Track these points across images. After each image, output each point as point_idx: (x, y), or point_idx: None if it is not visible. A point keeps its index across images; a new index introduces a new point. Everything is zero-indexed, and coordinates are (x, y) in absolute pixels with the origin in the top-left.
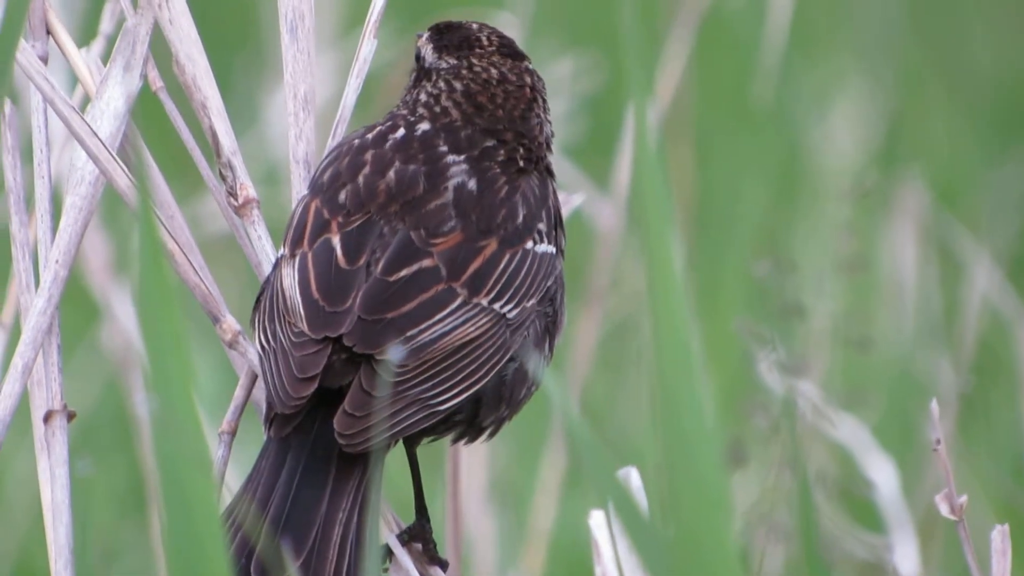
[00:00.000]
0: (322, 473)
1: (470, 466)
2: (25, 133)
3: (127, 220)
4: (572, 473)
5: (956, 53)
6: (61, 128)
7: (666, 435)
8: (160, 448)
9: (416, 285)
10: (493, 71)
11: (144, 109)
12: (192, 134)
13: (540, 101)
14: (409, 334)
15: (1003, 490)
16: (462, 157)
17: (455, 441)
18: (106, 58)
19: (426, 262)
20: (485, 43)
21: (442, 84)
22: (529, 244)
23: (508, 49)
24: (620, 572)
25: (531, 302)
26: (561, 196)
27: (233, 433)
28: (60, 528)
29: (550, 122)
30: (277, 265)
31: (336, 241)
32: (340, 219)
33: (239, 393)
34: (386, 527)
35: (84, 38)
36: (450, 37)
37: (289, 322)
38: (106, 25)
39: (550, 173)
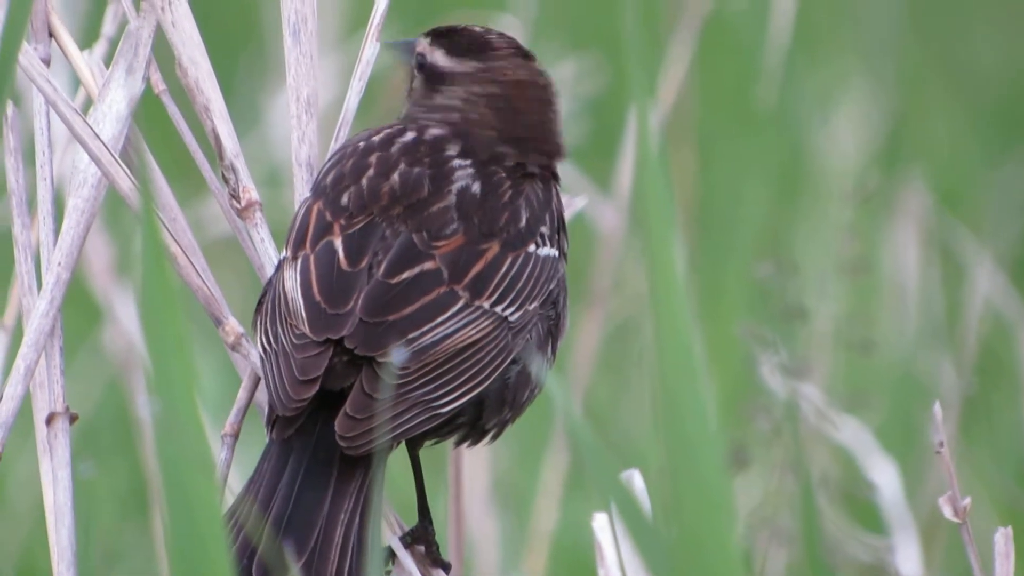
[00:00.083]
0: (324, 475)
1: (472, 468)
2: (27, 135)
3: (129, 222)
4: (574, 475)
5: (958, 55)
6: (63, 130)
7: (668, 437)
8: (162, 450)
9: (418, 288)
10: (520, 73)
11: (147, 112)
12: (195, 136)
13: (557, 101)
14: (411, 336)
15: (1006, 492)
16: (468, 161)
17: (458, 444)
18: (109, 60)
19: (428, 265)
20: (500, 45)
21: (475, 88)
22: (532, 247)
23: (521, 50)
24: (623, 574)
25: (533, 305)
26: (563, 199)
27: (236, 435)
28: (62, 530)
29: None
30: (279, 267)
31: (338, 243)
32: (342, 221)
33: (241, 395)
34: (388, 529)
35: (87, 40)
36: (460, 40)
37: (291, 324)
38: (109, 27)
39: (555, 177)
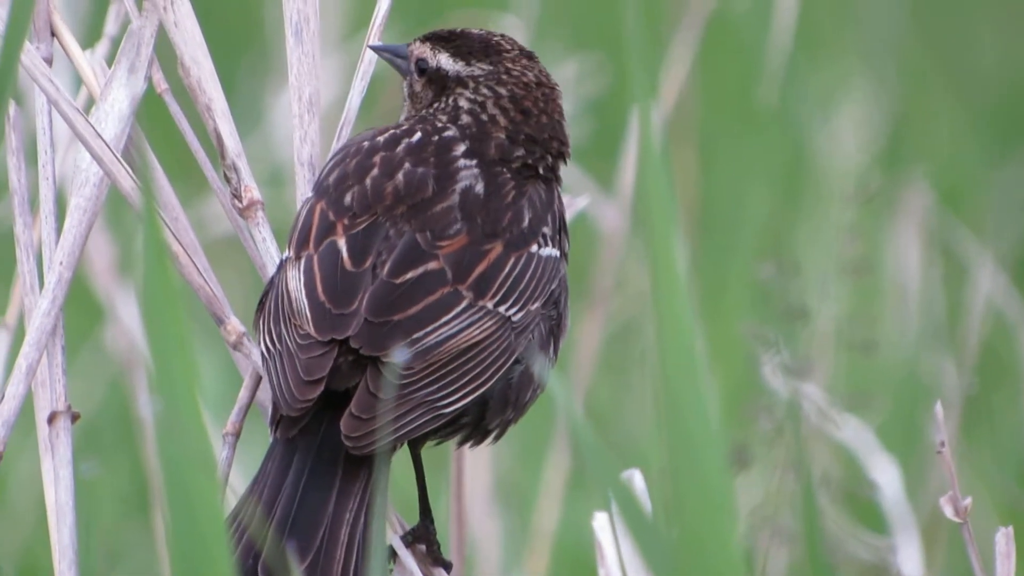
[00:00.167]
0: (328, 475)
1: (474, 467)
2: (29, 135)
3: (131, 222)
4: (576, 475)
5: (960, 55)
6: (65, 130)
7: (670, 437)
8: (164, 449)
9: (422, 287)
10: (529, 75)
11: (149, 111)
12: (196, 136)
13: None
14: (415, 336)
15: (1007, 492)
16: (474, 161)
17: (461, 444)
18: (111, 60)
19: (432, 265)
20: (507, 47)
21: (485, 90)
22: (534, 248)
23: (526, 52)
24: (624, 574)
25: (536, 305)
26: (566, 199)
27: (237, 434)
28: (64, 529)
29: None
30: (282, 267)
31: (342, 243)
32: (346, 221)
33: (243, 394)
34: (390, 528)
35: (89, 40)
36: (466, 43)
37: (295, 324)
38: (111, 27)
39: (556, 178)
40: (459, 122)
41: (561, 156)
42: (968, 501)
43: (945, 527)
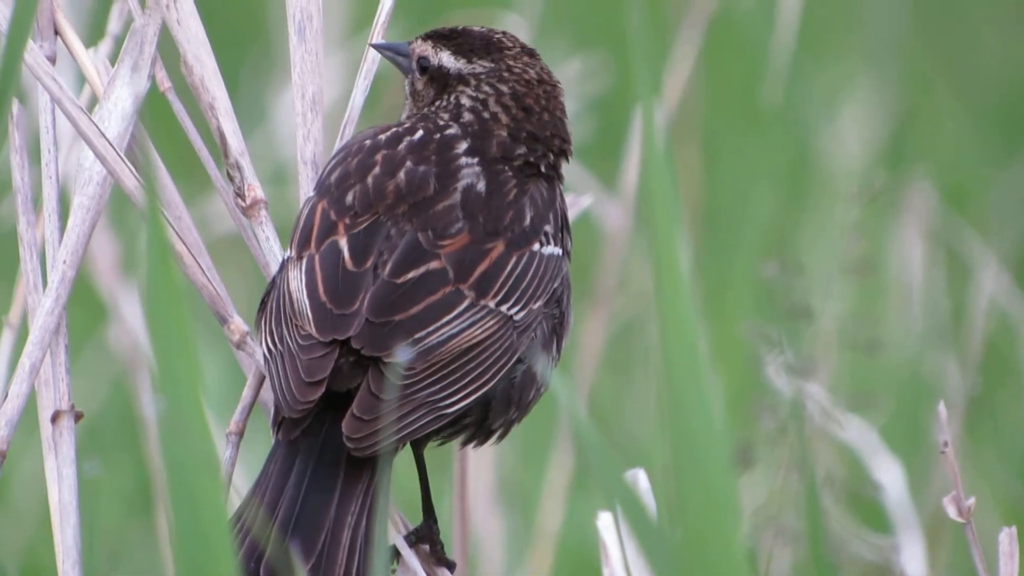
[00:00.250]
0: (331, 477)
1: (477, 467)
2: (33, 133)
3: (134, 220)
4: (579, 475)
5: (963, 55)
6: (69, 128)
7: (673, 437)
8: (167, 449)
9: (424, 287)
10: (531, 72)
11: (152, 110)
12: (200, 135)
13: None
14: (417, 336)
15: (1011, 492)
16: (476, 159)
17: (464, 444)
18: (114, 58)
19: (434, 264)
20: (508, 44)
21: (487, 88)
22: (536, 246)
23: (528, 49)
24: (628, 574)
25: (538, 304)
26: (569, 198)
27: (241, 434)
28: (67, 528)
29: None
30: (283, 267)
31: (343, 243)
32: (347, 220)
33: (247, 394)
34: (393, 528)
35: (92, 38)
36: (467, 41)
37: (296, 325)
38: (114, 25)
39: (559, 176)
40: (461, 120)
41: (563, 154)
42: (971, 501)
43: (949, 527)
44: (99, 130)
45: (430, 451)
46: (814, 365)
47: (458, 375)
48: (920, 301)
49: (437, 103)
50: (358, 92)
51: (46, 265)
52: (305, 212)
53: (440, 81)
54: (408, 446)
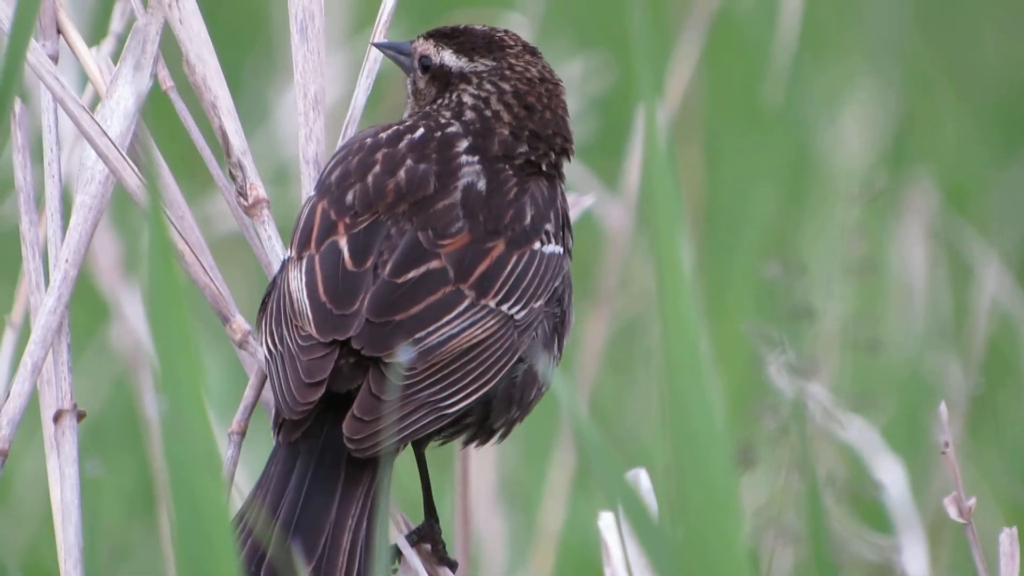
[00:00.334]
0: (331, 479)
1: (479, 467)
2: (35, 132)
3: (137, 219)
4: (581, 474)
5: (965, 55)
6: (71, 127)
7: (675, 436)
8: (169, 448)
9: (424, 287)
10: (533, 70)
11: (154, 109)
12: (202, 134)
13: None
14: (417, 336)
15: (1012, 492)
16: (476, 158)
17: (466, 444)
18: (116, 57)
19: (434, 264)
20: (510, 43)
21: (489, 86)
22: (537, 245)
23: (530, 47)
24: (629, 573)
25: (539, 303)
26: (571, 197)
27: (243, 433)
28: (69, 527)
29: None
30: (283, 267)
31: (343, 243)
32: (347, 220)
33: (248, 393)
34: (395, 527)
35: (95, 37)
36: (469, 40)
37: (296, 326)
38: (116, 24)
39: (560, 175)
40: (463, 118)
41: (565, 152)
42: (972, 501)
43: (950, 527)
44: (101, 129)
45: (431, 450)
46: (815, 365)
47: (459, 375)
48: (921, 301)
49: (439, 101)
50: (360, 91)
51: (48, 264)
52: (305, 212)
53: (442, 80)
54: (409, 446)
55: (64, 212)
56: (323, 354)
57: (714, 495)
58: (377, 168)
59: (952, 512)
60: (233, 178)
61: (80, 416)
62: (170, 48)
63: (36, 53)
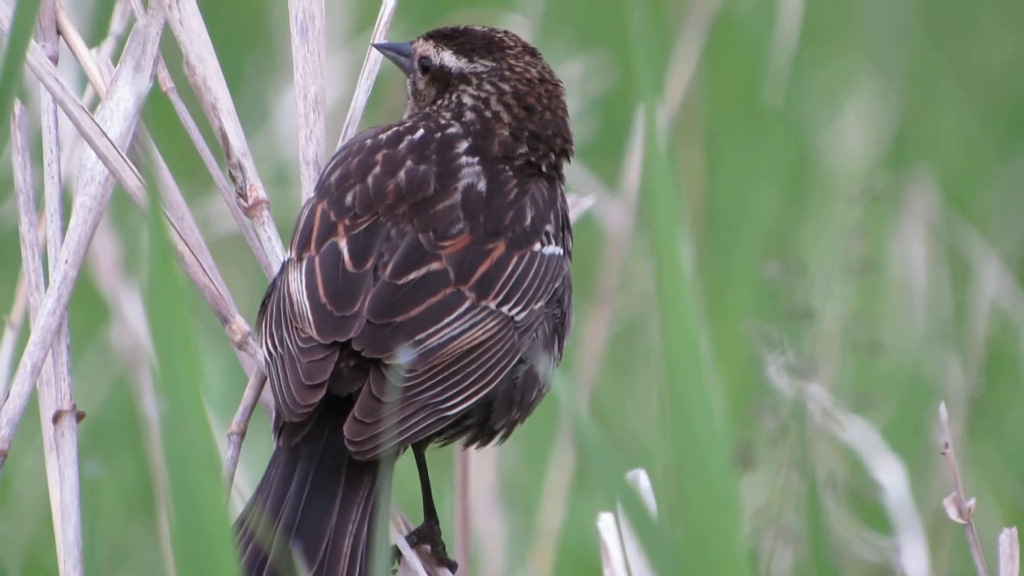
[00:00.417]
0: (332, 483)
1: (479, 467)
2: (35, 133)
3: (137, 220)
4: (581, 474)
5: (966, 54)
6: (71, 128)
7: (675, 437)
8: (169, 449)
9: (425, 288)
10: (532, 71)
11: (154, 110)
12: (202, 135)
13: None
14: (418, 338)
15: (1012, 493)
16: (476, 159)
17: (467, 445)
18: (116, 59)
19: (435, 265)
20: (510, 44)
21: (488, 87)
22: (537, 246)
23: (529, 48)
24: (629, 574)
25: (539, 304)
26: (571, 198)
27: (242, 434)
28: (69, 528)
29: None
30: (283, 269)
31: (343, 244)
32: (347, 221)
33: (248, 394)
34: (395, 528)
35: (94, 38)
36: (469, 40)
37: (296, 327)
38: (116, 25)
39: (560, 175)
40: (463, 119)
41: (564, 153)
42: (972, 502)
43: (950, 528)
44: (101, 130)
45: (431, 451)
46: (815, 365)
47: (459, 377)
48: (922, 301)
49: (439, 102)
50: (360, 92)
51: (48, 265)
52: (305, 213)
53: (442, 80)
54: (409, 447)
55: (64, 213)
56: (323, 356)
57: (714, 495)
58: (377, 169)
59: (952, 512)
60: (233, 179)
61: (79, 417)
62: (170, 49)
63: (36, 54)
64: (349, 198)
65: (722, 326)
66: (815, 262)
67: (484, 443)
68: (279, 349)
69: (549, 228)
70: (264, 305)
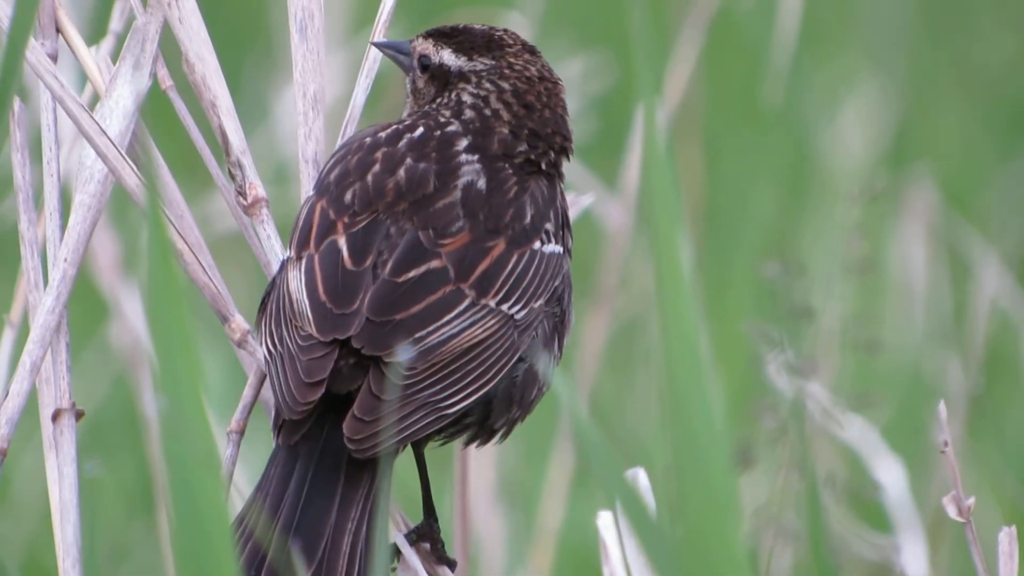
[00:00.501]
0: (331, 481)
1: (478, 466)
2: (34, 131)
3: (136, 219)
4: (580, 473)
5: (966, 53)
6: (70, 126)
7: (674, 436)
8: (168, 447)
9: (424, 286)
10: (532, 69)
11: (153, 108)
12: (201, 133)
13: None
14: (418, 336)
15: (1011, 492)
16: (476, 156)
17: (467, 444)
18: (116, 57)
19: (434, 263)
20: (510, 42)
21: (488, 85)
22: (537, 244)
23: (528, 47)
24: (628, 573)
25: (539, 303)
26: (570, 197)
27: (241, 432)
28: (68, 527)
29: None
30: (283, 268)
31: (342, 242)
32: (346, 219)
33: (247, 392)
34: (394, 526)
35: (94, 36)
36: (468, 39)
37: (296, 325)
38: (116, 23)
39: (559, 174)
40: (463, 117)
41: (564, 151)
42: (971, 501)
43: (949, 527)
44: (100, 128)
45: (431, 449)
46: (815, 365)
47: (459, 375)
48: (921, 301)
49: (438, 100)
50: (360, 91)
51: (47, 263)
52: (304, 212)
53: (441, 79)
54: (409, 445)
55: (63, 211)
56: (323, 354)
57: (713, 494)
58: (376, 167)
59: (951, 511)
60: (232, 177)
61: (79, 415)
62: (169, 47)
63: (35, 52)
64: (348, 196)
65: (722, 325)
66: (815, 261)
67: (484, 442)
68: (279, 347)
69: (549, 226)
70: (263, 303)
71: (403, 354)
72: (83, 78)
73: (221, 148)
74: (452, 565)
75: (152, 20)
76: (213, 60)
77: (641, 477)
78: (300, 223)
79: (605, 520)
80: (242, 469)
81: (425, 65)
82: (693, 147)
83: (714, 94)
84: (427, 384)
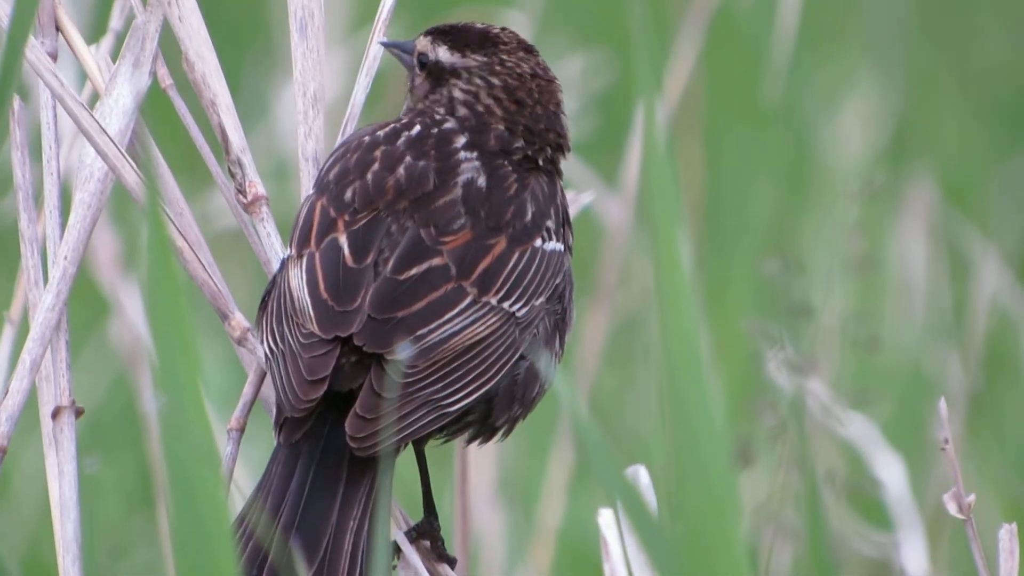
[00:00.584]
0: (333, 481)
1: (478, 463)
2: (34, 130)
3: (136, 216)
4: (580, 470)
5: (966, 51)
6: (70, 125)
7: (674, 433)
8: (168, 444)
9: (426, 284)
10: (524, 66)
11: (153, 106)
12: (201, 131)
13: (562, 94)
14: (419, 333)
15: (1011, 489)
16: (475, 154)
17: (469, 442)
18: (115, 55)
19: (436, 260)
20: (505, 40)
21: (478, 80)
22: (538, 242)
23: (524, 44)
24: (628, 570)
25: (540, 300)
26: (570, 194)
27: (241, 430)
28: (68, 524)
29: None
30: (283, 266)
31: (343, 240)
32: (346, 217)
33: (247, 390)
34: (394, 524)
35: (94, 35)
36: (464, 36)
37: (297, 323)
38: (116, 22)
39: (558, 171)
40: (456, 114)
41: (559, 148)
42: (971, 498)
43: (949, 523)
44: (100, 126)
45: (431, 447)
46: (815, 362)
47: (460, 373)
48: (921, 298)
49: (431, 96)
50: (359, 89)
51: (47, 261)
52: (304, 210)
53: (436, 76)
54: (410, 443)
55: (63, 209)
56: (325, 351)
57: (713, 492)
58: (376, 165)
59: (951, 508)
60: (232, 175)
61: (79, 413)
62: (169, 46)
63: (35, 50)
64: (348, 194)
65: (722, 323)
66: (814, 259)
67: (486, 440)
68: (280, 345)
69: (550, 224)
70: (264, 301)
71: (404, 352)
72: (83, 76)
73: (221, 146)
74: (452, 562)
75: (152, 18)
76: (213, 58)
77: (641, 474)
78: (300, 221)
79: (605, 517)
80: (242, 467)
81: (423, 63)
82: (693, 145)
83: (714, 92)
84: (429, 382)
